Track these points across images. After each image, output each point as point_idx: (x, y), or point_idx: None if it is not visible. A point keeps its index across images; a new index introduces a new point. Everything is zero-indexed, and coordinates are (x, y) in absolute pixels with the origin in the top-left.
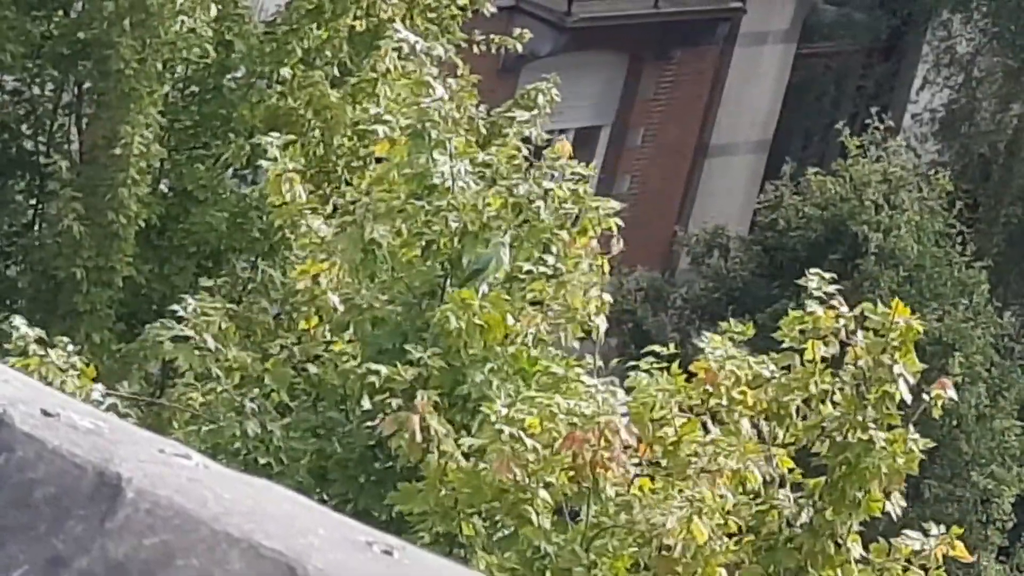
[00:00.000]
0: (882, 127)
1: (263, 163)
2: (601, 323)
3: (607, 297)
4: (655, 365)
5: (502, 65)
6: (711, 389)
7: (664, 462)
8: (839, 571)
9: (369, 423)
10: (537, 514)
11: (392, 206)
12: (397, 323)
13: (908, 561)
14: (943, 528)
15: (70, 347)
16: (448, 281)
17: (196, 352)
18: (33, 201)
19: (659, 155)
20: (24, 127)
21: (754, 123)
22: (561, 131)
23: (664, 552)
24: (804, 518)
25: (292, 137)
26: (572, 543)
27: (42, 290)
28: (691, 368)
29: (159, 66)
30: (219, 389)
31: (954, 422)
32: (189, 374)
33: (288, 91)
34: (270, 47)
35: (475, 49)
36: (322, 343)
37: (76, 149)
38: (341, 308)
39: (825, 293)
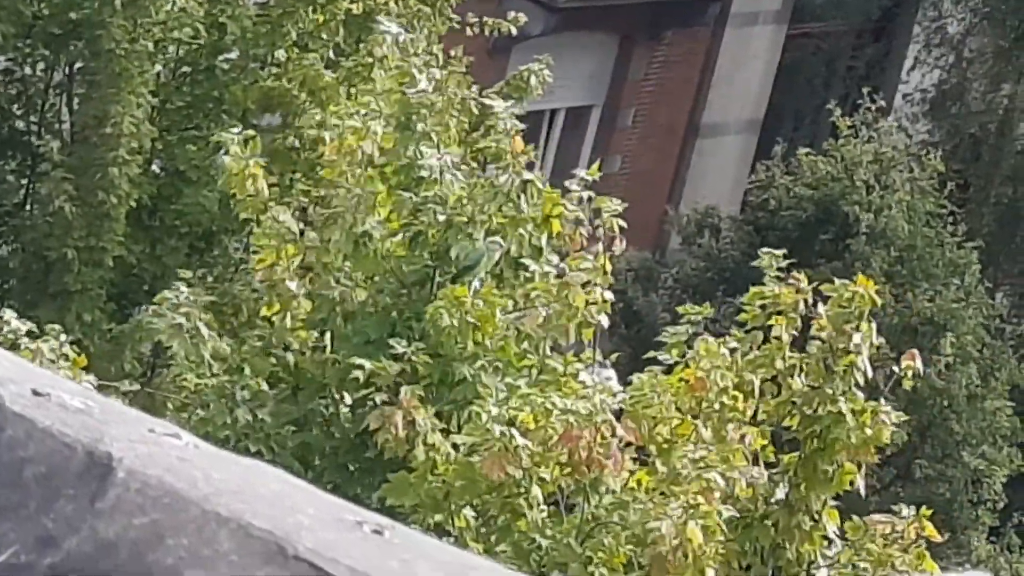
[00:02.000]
0: (873, 107)
1: (224, 159)
2: (604, 321)
3: (609, 295)
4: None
5: (492, 45)
6: (700, 396)
7: (658, 462)
8: (815, 547)
9: (359, 410)
10: (530, 508)
11: (379, 198)
12: (385, 313)
13: (884, 539)
14: (914, 509)
15: (62, 336)
16: (436, 273)
17: (190, 339)
18: (24, 181)
19: (650, 135)
20: (15, 107)
21: (745, 103)
22: (552, 111)
23: (659, 556)
24: (779, 494)
25: (251, 133)
26: (567, 536)
27: (33, 270)
28: (682, 375)
29: (150, 46)
30: (209, 376)
31: (945, 402)
32: (183, 361)
33: (282, 73)
34: (264, 29)
35: (468, 31)
36: (291, 331)
37: (67, 129)
38: (300, 294)
39: (780, 269)
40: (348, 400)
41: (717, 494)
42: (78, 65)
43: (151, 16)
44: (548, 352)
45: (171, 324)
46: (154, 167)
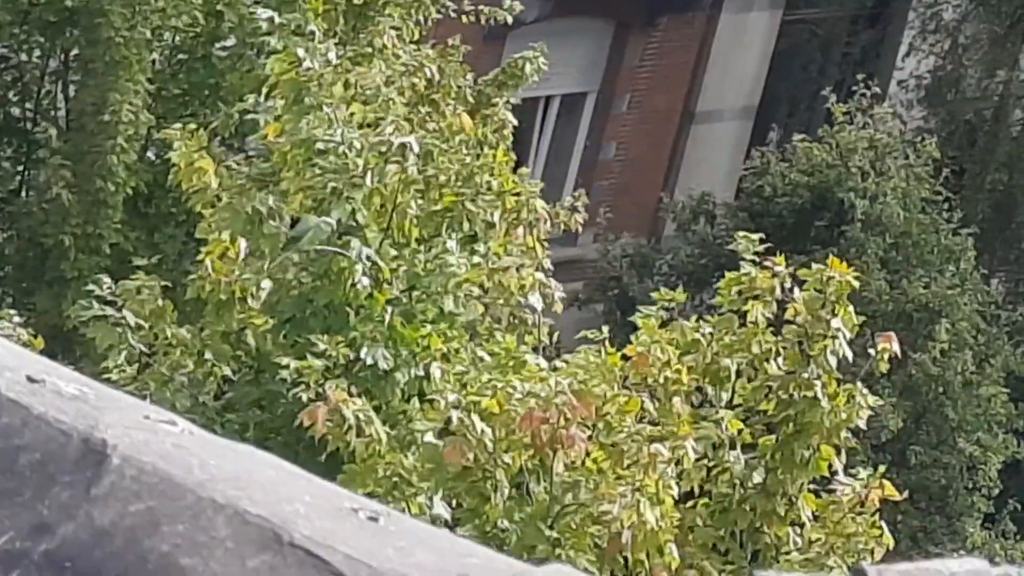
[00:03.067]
0: (868, 94)
1: (171, 154)
2: (536, 301)
3: (539, 275)
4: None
5: (488, 32)
6: (644, 370)
7: (607, 440)
8: (792, 530)
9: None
10: (495, 492)
11: (287, 183)
12: (301, 292)
13: (851, 510)
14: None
15: (15, 319)
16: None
17: (117, 330)
18: (20, 168)
19: (645, 122)
20: (11, 94)
21: (740, 90)
22: (547, 98)
23: (614, 537)
24: (756, 479)
25: (193, 126)
26: (535, 520)
27: (28, 257)
28: (625, 351)
29: (148, 33)
30: (150, 363)
31: (940, 389)
32: (114, 353)
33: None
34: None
35: (463, 19)
36: (247, 317)
37: (63, 116)
38: (252, 278)
39: (757, 253)
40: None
41: (662, 466)
42: (74, 52)
43: (150, 4)
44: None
45: (93, 315)
46: (149, 154)
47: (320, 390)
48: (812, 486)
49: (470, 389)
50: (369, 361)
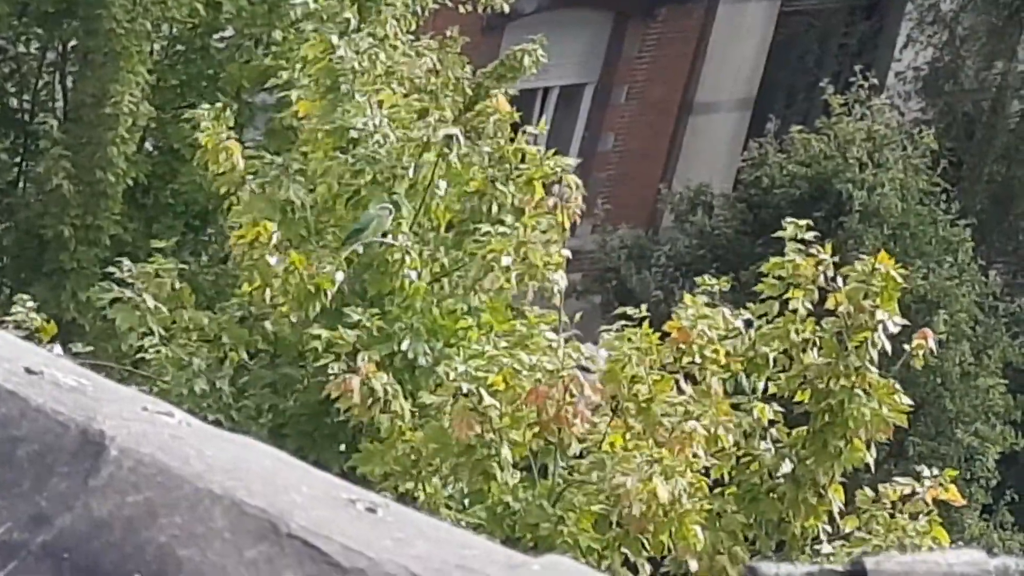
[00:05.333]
0: (866, 85)
1: (197, 135)
2: (560, 280)
3: (567, 253)
4: (628, 325)
5: (486, 23)
6: (684, 347)
7: (638, 420)
8: (820, 522)
9: (318, 378)
10: (502, 470)
11: (314, 166)
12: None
13: (894, 506)
14: (935, 471)
15: (29, 303)
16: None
17: (136, 312)
18: (17, 159)
19: (643, 113)
20: (8, 85)
21: (738, 81)
22: (545, 89)
23: (626, 511)
24: (786, 468)
25: (221, 106)
26: (540, 498)
27: (26, 248)
28: (665, 328)
29: (148, 25)
30: (166, 347)
31: (938, 380)
32: (133, 335)
33: (280, 52)
34: (262, 9)
35: (461, 9)
36: (272, 306)
37: (61, 107)
38: (279, 270)
39: (803, 241)
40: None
41: (696, 445)
42: (72, 43)
43: None
44: (522, 312)
45: (115, 297)
46: (147, 146)
47: (349, 363)
48: (844, 479)
49: (478, 363)
50: (410, 355)
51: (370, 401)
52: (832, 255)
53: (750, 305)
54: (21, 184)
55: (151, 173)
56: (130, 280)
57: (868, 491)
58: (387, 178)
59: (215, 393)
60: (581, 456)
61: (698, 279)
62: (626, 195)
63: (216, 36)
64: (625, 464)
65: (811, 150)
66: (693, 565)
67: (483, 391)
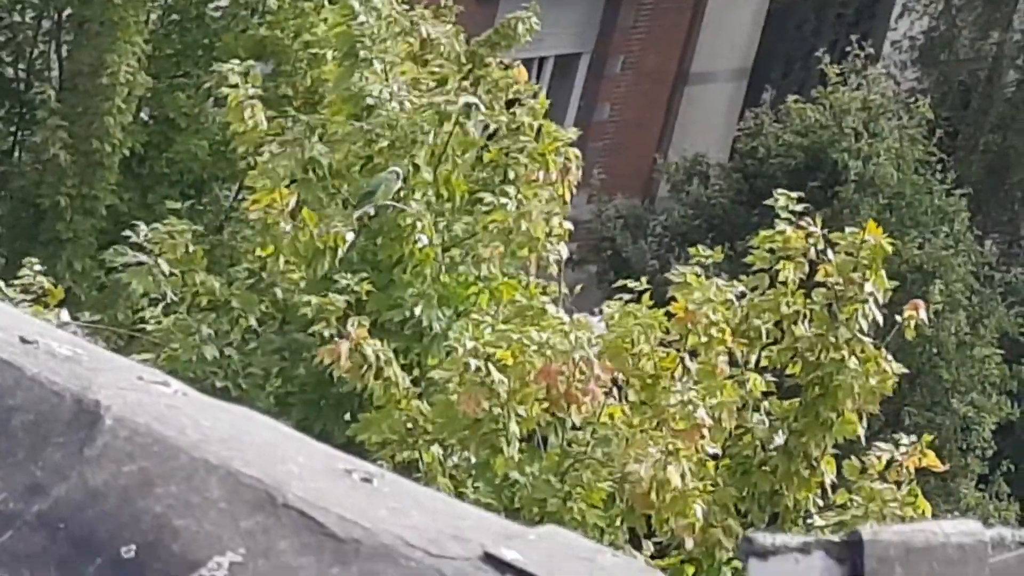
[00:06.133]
0: (862, 54)
1: (224, 90)
2: (563, 251)
3: (568, 225)
4: (629, 300)
5: None
6: (690, 327)
7: (641, 396)
8: (812, 493)
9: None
10: (508, 444)
11: (332, 131)
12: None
13: (881, 476)
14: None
15: (36, 267)
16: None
17: (150, 277)
18: (13, 129)
19: (639, 83)
20: (4, 54)
21: (734, 50)
22: (540, 59)
23: (639, 495)
24: (778, 441)
25: (252, 63)
26: (546, 473)
27: (22, 218)
28: (669, 309)
29: None
30: (176, 313)
31: (934, 350)
32: (144, 299)
33: (275, 21)
34: None
35: None
36: (281, 272)
37: (56, 77)
38: (293, 235)
39: (793, 212)
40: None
41: (704, 431)
42: (68, 12)
43: None
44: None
45: (129, 262)
46: (143, 115)
47: (340, 328)
48: (838, 451)
49: (487, 337)
50: (424, 322)
51: (363, 369)
52: (825, 225)
53: (742, 277)
54: (17, 154)
55: (147, 143)
56: (146, 244)
57: (855, 461)
58: (405, 144)
59: (224, 360)
60: (580, 428)
61: (692, 250)
62: (622, 165)
63: (212, 5)
64: (638, 450)
65: (807, 120)
66: (689, 543)
67: (491, 366)
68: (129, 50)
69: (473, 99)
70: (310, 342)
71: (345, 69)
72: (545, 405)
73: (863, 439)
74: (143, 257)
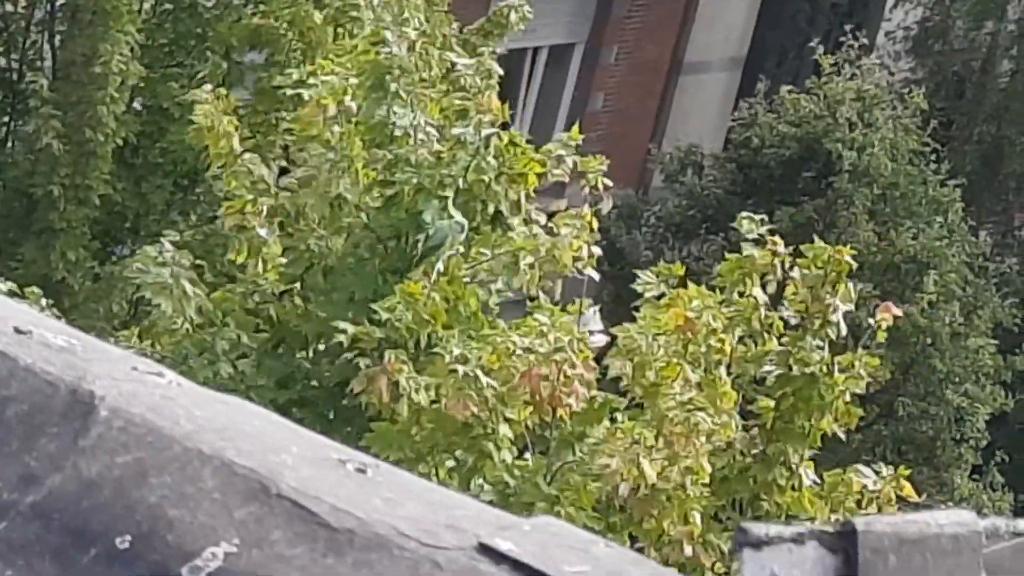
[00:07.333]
0: (856, 45)
1: (194, 117)
2: (593, 275)
3: (596, 250)
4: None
5: None
6: (691, 336)
7: (644, 404)
8: (790, 498)
9: (336, 360)
10: (498, 449)
11: (353, 157)
12: (364, 268)
13: (860, 495)
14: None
15: (42, 301)
16: (410, 232)
17: (176, 298)
18: (6, 118)
19: (633, 73)
20: None
21: (728, 41)
22: (535, 49)
23: (618, 492)
24: (756, 449)
25: (223, 91)
26: (535, 476)
27: (15, 208)
28: (667, 317)
29: None
30: (192, 332)
31: (928, 340)
32: (166, 318)
33: (269, 11)
34: None
35: None
36: (265, 279)
37: (49, 66)
38: (270, 240)
39: (759, 234)
40: (322, 349)
41: (704, 437)
42: (61, 2)
43: None
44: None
45: (157, 281)
46: (136, 105)
47: (375, 360)
48: (820, 451)
49: (474, 344)
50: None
51: (396, 396)
52: (819, 216)
53: (712, 294)
54: (10, 143)
55: (140, 132)
56: (170, 262)
57: (837, 473)
58: (433, 186)
59: (238, 375)
60: (572, 431)
61: (654, 268)
62: (616, 155)
63: None
64: (610, 444)
65: (801, 110)
66: (688, 550)
67: (479, 372)
68: (122, 39)
69: (494, 130)
70: (307, 366)
71: (373, 99)
72: (530, 409)
73: (841, 435)
74: (167, 278)
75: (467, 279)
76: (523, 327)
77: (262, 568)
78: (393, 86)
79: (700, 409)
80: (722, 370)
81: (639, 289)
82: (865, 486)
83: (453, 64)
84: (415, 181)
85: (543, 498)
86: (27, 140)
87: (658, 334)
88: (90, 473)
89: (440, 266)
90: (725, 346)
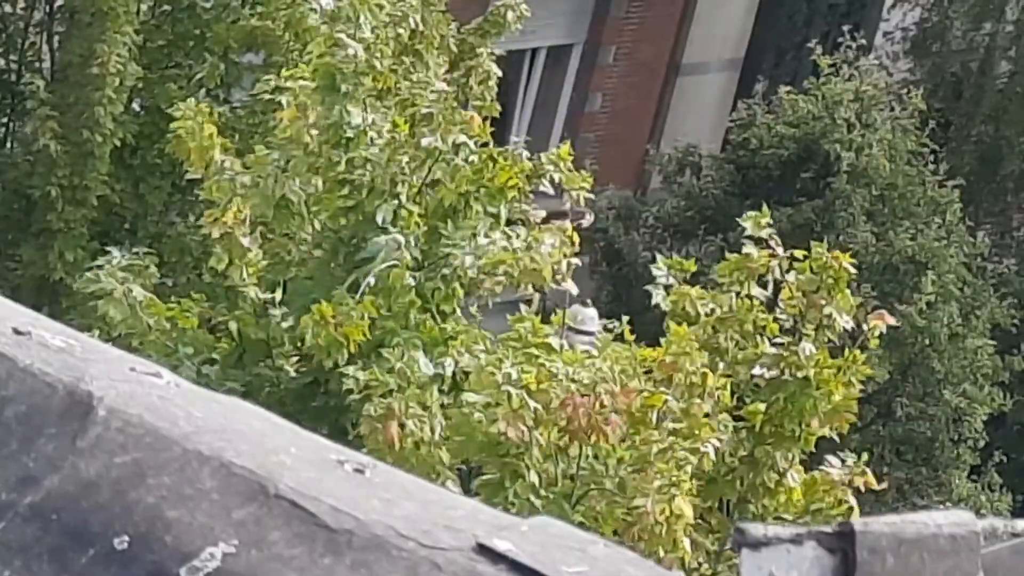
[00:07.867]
0: (854, 45)
1: (174, 126)
2: (572, 288)
3: (576, 261)
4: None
5: None
6: (672, 374)
7: (632, 433)
8: (776, 501)
9: (303, 369)
10: (528, 470)
11: (308, 161)
12: (325, 268)
13: (830, 486)
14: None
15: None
16: (366, 240)
17: (127, 304)
18: (4, 119)
19: (631, 73)
20: None
21: (726, 41)
22: (533, 50)
23: (641, 528)
24: (743, 451)
25: (205, 107)
26: (560, 499)
27: (13, 209)
28: (648, 354)
29: None
30: (151, 338)
31: (926, 341)
32: (122, 326)
33: (266, 12)
34: None
35: None
36: (260, 304)
37: (47, 67)
38: (253, 249)
39: (759, 237)
40: (293, 358)
41: (688, 467)
42: (59, 3)
43: None
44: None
45: (105, 291)
46: (134, 106)
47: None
48: (814, 452)
49: (519, 360)
50: (422, 368)
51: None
52: (817, 217)
53: (711, 292)
54: (8, 144)
55: (138, 133)
56: (119, 274)
57: (811, 474)
58: (386, 186)
59: (202, 379)
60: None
61: (661, 259)
62: (614, 156)
63: None
64: (644, 485)
65: (799, 111)
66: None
67: (525, 394)
68: (120, 40)
69: (462, 137)
70: (270, 374)
71: (328, 100)
72: (564, 435)
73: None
74: (115, 284)
75: (430, 276)
76: (564, 354)
77: (260, 569)
78: (344, 87)
79: (685, 438)
80: (697, 402)
81: (651, 289)
82: (834, 479)
83: (467, 44)
84: (367, 179)
85: (568, 521)
86: (25, 141)
87: (634, 361)
88: (88, 474)
89: (371, 280)
90: (707, 380)
